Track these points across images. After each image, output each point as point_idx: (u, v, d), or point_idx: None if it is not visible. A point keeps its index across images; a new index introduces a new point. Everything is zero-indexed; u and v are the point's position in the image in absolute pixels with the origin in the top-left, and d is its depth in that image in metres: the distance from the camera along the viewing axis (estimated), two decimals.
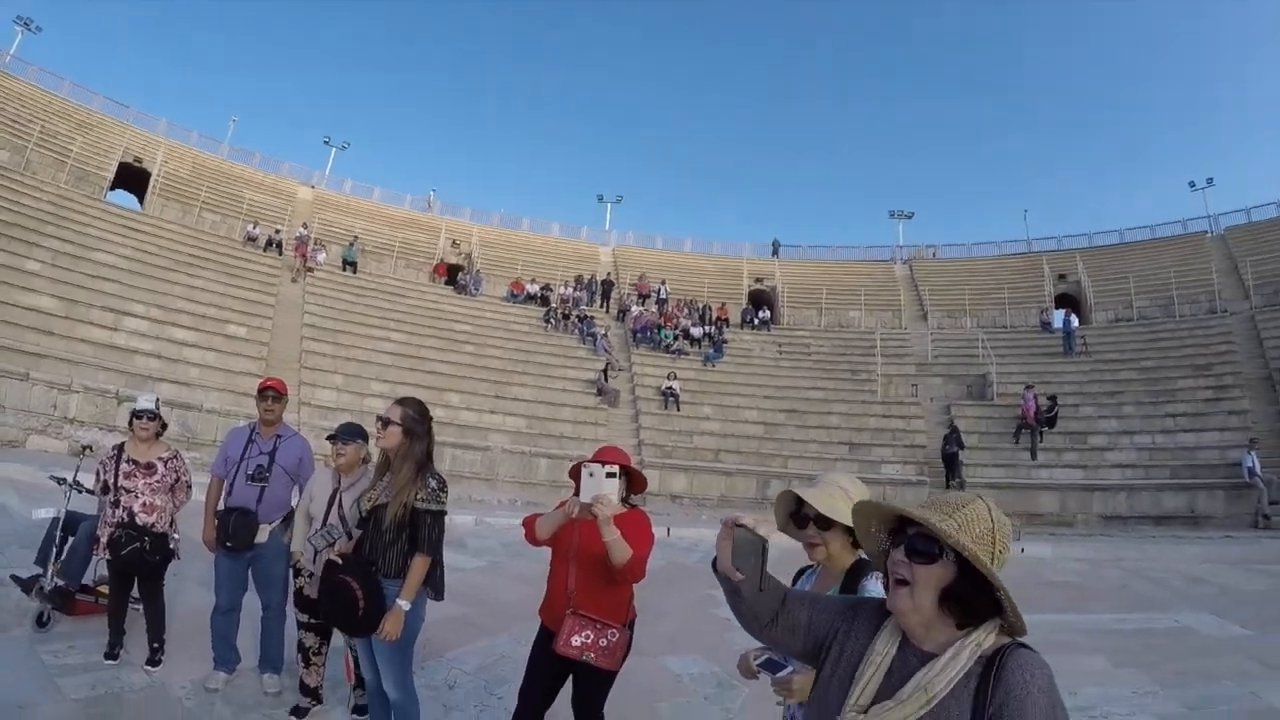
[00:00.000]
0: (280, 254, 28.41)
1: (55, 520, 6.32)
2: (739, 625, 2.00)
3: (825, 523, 2.60)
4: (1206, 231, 33.96)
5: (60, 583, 6.05)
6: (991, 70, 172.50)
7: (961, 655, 1.60)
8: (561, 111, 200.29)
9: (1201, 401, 21.77)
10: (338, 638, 4.92)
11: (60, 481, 6.60)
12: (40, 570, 6.14)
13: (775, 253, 40.26)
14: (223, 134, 40.76)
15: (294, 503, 5.54)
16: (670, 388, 24.03)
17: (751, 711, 5.59)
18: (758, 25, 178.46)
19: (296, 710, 4.96)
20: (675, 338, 28.45)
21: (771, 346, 30.03)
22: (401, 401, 4.14)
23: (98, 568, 6.16)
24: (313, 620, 4.91)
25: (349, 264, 29.73)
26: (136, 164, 30.80)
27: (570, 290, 32.17)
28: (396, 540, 3.97)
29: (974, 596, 1.64)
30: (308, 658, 5.02)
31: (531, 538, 3.92)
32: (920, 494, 18.97)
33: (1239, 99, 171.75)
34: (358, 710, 4.95)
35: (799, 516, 2.69)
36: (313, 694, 5.05)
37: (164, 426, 5.81)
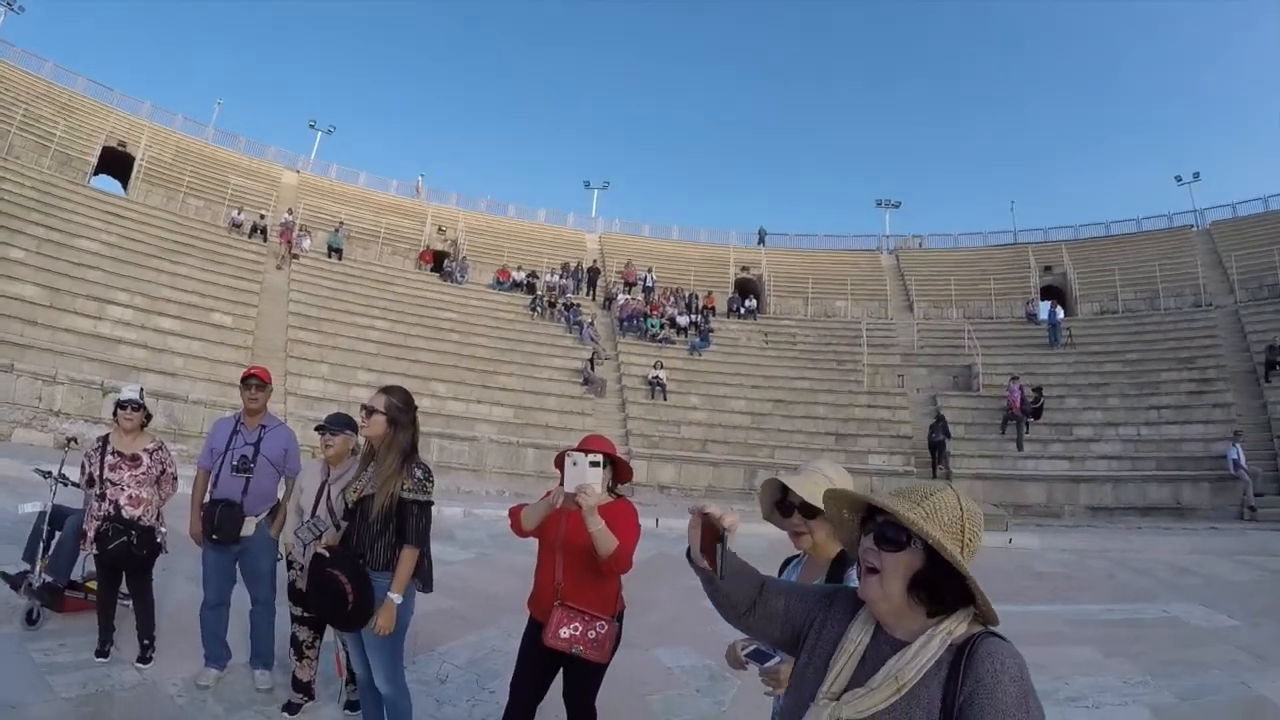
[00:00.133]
0: (265, 240, 28.21)
1: (42, 515, 6.23)
2: None
3: (810, 511, 2.56)
4: (1192, 226, 34.19)
5: (48, 579, 5.99)
6: (979, 61, 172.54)
7: (932, 643, 1.60)
8: (548, 97, 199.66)
9: (1186, 394, 21.93)
10: (331, 631, 4.89)
11: (45, 475, 6.52)
12: (28, 567, 6.06)
13: (761, 241, 40.30)
14: (208, 117, 40.55)
15: (280, 494, 5.52)
16: (657, 377, 24.03)
17: (743, 703, 5.58)
18: (745, 13, 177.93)
19: (289, 706, 4.93)
20: (662, 326, 28.45)
21: (758, 336, 30.06)
22: (386, 390, 4.10)
23: (86, 563, 6.10)
24: (306, 614, 4.89)
25: (334, 250, 29.58)
26: (120, 148, 30.47)
27: (556, 278, 32.14)
28: (384, 532, 3.94)
29: (943, 585, 1.63)
30: (301, 651, 4.99)
31: (517, 528, 3.90)
32: (906, 484, 18.97)
33: (1226, 94, 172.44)
34: (350, 706, 4.93)
35: (784, 505, 2.67)
36: (305, 689, 5.01)
37: (148, 417, 5.73)
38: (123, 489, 5.36)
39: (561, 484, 3.62)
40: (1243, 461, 17.68)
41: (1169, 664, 6.93)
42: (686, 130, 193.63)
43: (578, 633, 3.62)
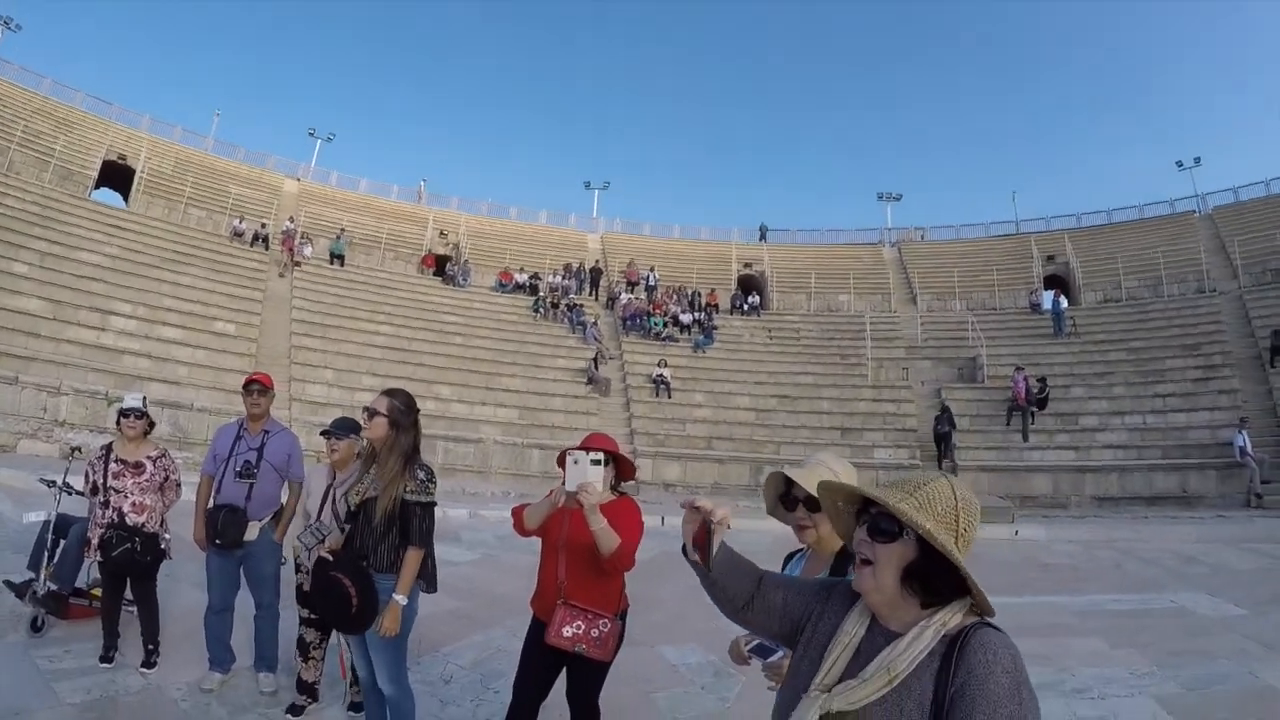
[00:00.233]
0: (267, 248, 28.26)
1: (46, 523, 6.29)
2: None
3: (814, 504, 2.53)
4: (1194, 211, 34.11)
5: (53, 587, 6.03)
6: (977, 54, 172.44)
7: (925, 635, 1.60)
8: (547, 98, 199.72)
9: (1191, 381, 21.87)
10: (336, 633, 4.89)
11: (50, 484, 6.58)
12: (33, 575, 6.10)
13: (763, 237, 40.29)
14: (207, 128, 40.69)
15: (284, 499, 5.54)
16: (661, 375, 24.03)
17: (748, 699, 5.58)
18: (744, 11, 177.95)
19: (293, 709, 4.95)
20: (665, 325, 28.44)
21: (761, 332, 30.02)
22: (389, 393, 4.11)
23: (90, 570, 6.13)
24: (313, 615, 4.91)
25: (336, 257, 29.62)
26: (120, 161, 30.55)
27: (559, 279, 32.15)
28: (387, 534, 3.94)
29: (937, 576, 1.62)
30: (307, 653, 5.02)
31: (520, 528, 3.90)
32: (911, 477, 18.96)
33: (1226, 78, 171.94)
34: (354, 707, 4.95)
35: (788, 499, 2.67)
36: (309, 690, 5.04)
37: (151, 425, 5.76)
38: (126, 496, 5.39)
39: (564, 483, 3.61)
40: (1249, 448, 17.60)
41: (1176, 654, 6.91)
42: (686, 130, 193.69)
43: (581, 631, 3.61)
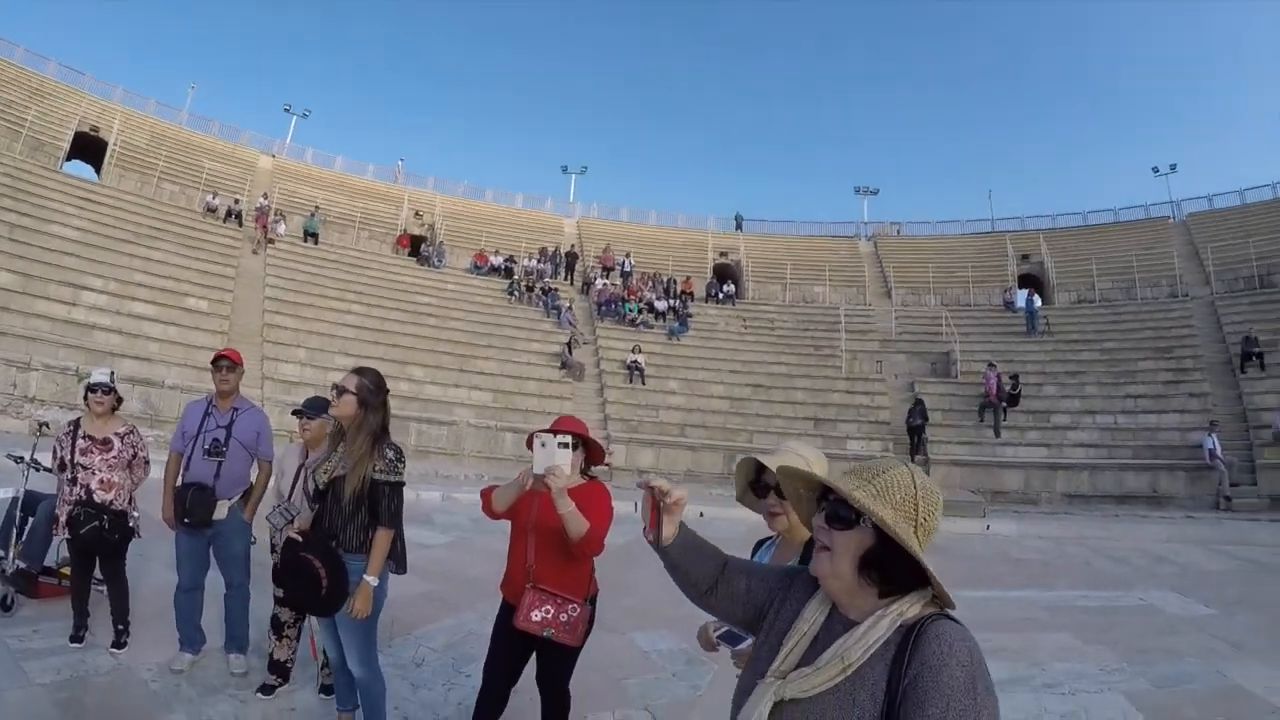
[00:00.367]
0: (240, 225, 27.97)
1: (14, 500, 6.22)
2: None
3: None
4: (1169, 217, 34.36)
5: (22, 565, 5.98)
6: (957, 50, 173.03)
7: (880, 624, 1.56)
8: (525, 82, 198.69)
9: (1162, 384, 22.12)
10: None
11: (17, 460, 6.49)
12: (1, 553, 6.02)
13: (739, 227, 40.26)
14: (181, 101, 40.14)
15: (253, 478, 5.48)
16: (635, 361, 24.02)
17: (719, 686, 5.57)
18: (725, 1, 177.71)
19: (264, 688, 4.92)
20: (640, 311, 28.44)
21: (736, 321, 30.04)
22: (358, 371, 4.06)
23: (60, 549, 6.06)
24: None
25: (310, 235, 29.40)
26: (93, 133, 30.06)
27: (534, 262, 32.05)
28: (356, 513, 3.91)
29: (894, 565, 1.59)
30: (280, 631, 5.00)
31: (489, 510, 3.87)
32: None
33: (1204, 86, 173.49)
34: (325, 689, 4.90)
35: (758, 486, 2.66)
36: (281, 669, 5.01)
37: (119, 401, 5.68)
38: (94, 473, 5.32)
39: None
40: (1218, 451, 17.85)
41: (1145, 651, 6.98)
42: (664, 116, 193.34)
43: (549, 615, 3.60)
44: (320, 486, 3.99)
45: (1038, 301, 27.98)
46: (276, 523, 4.59)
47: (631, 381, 23.75)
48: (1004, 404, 21.01)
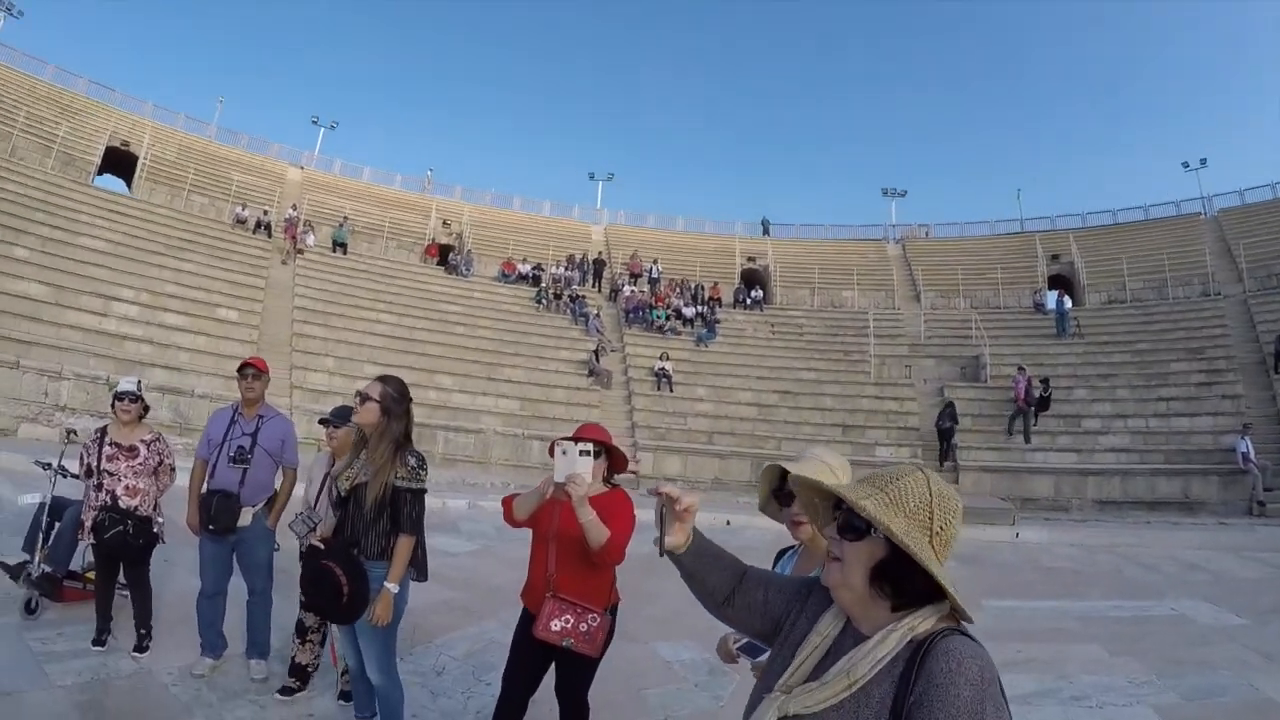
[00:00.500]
0: (269, 236, 28.21)
1: (42, 506, 6.29)
2: None
3: None
4: (1200, 213, 33.88)
5: (47, 569, 6.03)
6: (984, 49, 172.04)
7: (890, 639, 1.51)
8: (553, 89, 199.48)
9: (1195, 385, 21.75)
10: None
11: (45, 466, 6.56)
12: (28, 557, 6.12)
13: (766, 231, 40.11)
14: (210, 115, 40.48)
15: (278, 485, 5.51)
16: (663, 368, 23.98)
17: (741, 698, 5.49)
18: (752, 6, 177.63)
19: (284, 689, 4.96)
20: (667, 318, 28.38)
21: (764, 326, 29.94)
22: (383, 379, 4.08)
23: (86, 554, 6.11)
24: None
25: (339, 245, 29.57)
26: (123, 148, 30.48)
27: (562, 270, 32.12)
28: (377, 520, 3.92)
29: (907, 576, 1.53)
30: (305, 635, 5.04)
31: (510, 518, 3.85)
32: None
33: (1233, 79, 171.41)
34: (344, 696, 4.92)
35: (782, 494, 2.60)
36: (301, 673, 5.04)
37: (146, 409, 5.74)
38: (120, 479, 5.37)
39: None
40: (1252, 455, 17.49)
41: (1176, 663, 6.85)
42: (691, 122, 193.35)
43: (569, 625, 3.57)
44: (342, 493, 4.01)
45: (1068, 303, 27.72)
46: (299, 530, 4.61)
47: (659, 389, 23.70)
48: (1034, 409, 20.76)
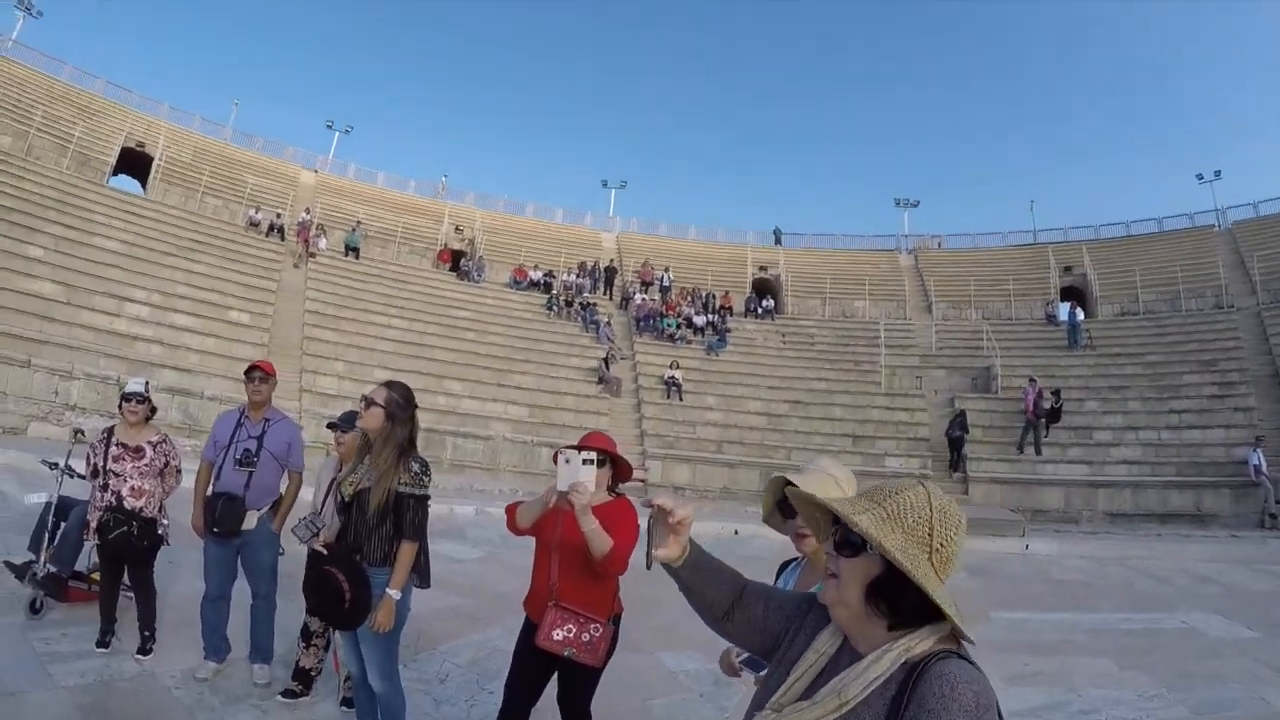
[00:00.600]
0: (283, 239, 28.33)
1: (48, 505, 6.32)
2: None
3: None
4: (1214, 225, 33.62)
5: (53, 569, 6.05)
6: (998, 59, 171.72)
7: (884, 660, 1.44)
8: (566, 97, 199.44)
9: (1207, 398, 21.62)
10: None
11: (52, 466, 6.57)
12: (33, 556, 6.12)
13: (778, 241, 40.05)
14: (225, 117, 40.72)
15: (284, 488, 5.50)
16: (673, 377, 23.94)
17: (745, 710, 5.49)
18: (763, 13, 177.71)
19: (286, 692, 4.96)
20: (678, 326, 28.34)
21: (775, 336, 29.89)
22: (388, 384, 4.07)
23: (91, 554, 6.11)
24: None
25: (351, 249, 29.62)
26: (139, 149, 30.65)
27: (573, 277, 32.12)
28: (380, 526, 3.90)
29: (903, 595, 1.46)
30: (309, 640, 5.03)
31: (513, 526, 3.83)
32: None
33: (1246, 90, 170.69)
34: (346, 702, 4.90)
35: (785, 506, 2.56)
36: (304, 677, 5.03)
37: (153, 410, 5.73)
38: (125, 480, 5.37)
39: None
40: (1264, 467, 17.35)
41: (1186, 676, 6.79)
42: (704, 129, 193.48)
43: (571, 635, 3.54)
44: (346, 499, 3.99)
45: (1080, 314, 27.66)
46: (301, 535, 4.60)
47: (669, 397, 23.67)
48: (1044, 420, 20.65)
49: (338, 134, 43.25)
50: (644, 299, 30.51)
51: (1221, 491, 18.04)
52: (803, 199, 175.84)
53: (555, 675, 3.78)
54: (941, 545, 1.49)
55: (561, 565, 3.67)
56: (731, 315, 30.67)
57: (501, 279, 31.83)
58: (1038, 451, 20.31)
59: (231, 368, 18.52)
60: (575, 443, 3.68)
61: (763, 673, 2.32)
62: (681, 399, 23.68)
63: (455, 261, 32.80)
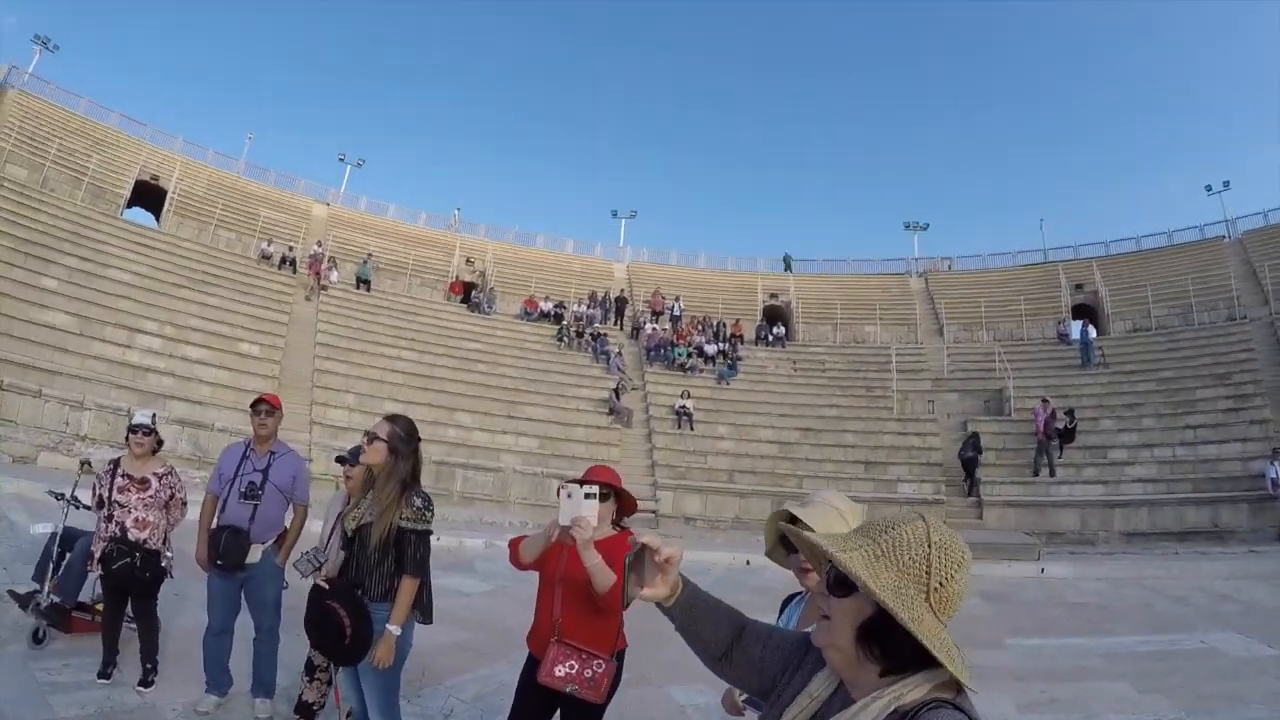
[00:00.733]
0: (294, 272, 28.47)
1: (53, 536, 6.36)
2: None
3: None
4: (1224, 236, 33.35)
5: (56, 599, 6.09)
6: (1004, 79, 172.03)
7: (872, 708, 1.34)
8: (575, 127, 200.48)
9: (1222, 412, 21.39)
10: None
11: (59, 497, 6.63)
12: (37, 586, 6.15)
13: (788, 268, 39.96)
14: (239, 150, 40.98)
15: (288, 522, 5.48)
16: (684, 406, 23.87)
17: None
18: (769, 39, 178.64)
19: None
20: (689, 355, 28.25)
21: (786, 363, 29.83)
22: (391, 418, 4.06)
23: (96, 585, 6.11)
24: None
25: (363, 282, 29.72)
26: (153, 181, 30.95)
27: (584, 308, 32.14)
28: (382, 561, 3.88)
29: (895, 638, 1.34)
30: (313, 674, 5.01)
31: (516, 561, 3.78)
32: (937, 513, 18.69)
33: (1254, 97, 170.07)
34: None
35: (789, 539, 2.53)
36: (307, 711, 5.01)
37: (160, 443, 5.78)
38: (130, 511, 5.39)
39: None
40: None
41: (1206, 699, 6.69)
42: (713, 158, 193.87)
43: (573, 671, 3.48)
44: (348, 533, 3.99)
45: (1092, 332, 27.43)
46: (303, 569, 4.57)
47: (680, 427, 23.59)
48: (1056, 441, 20.49)
49: (350, 167, 43.49)
50: (654, 328, 30.46)
51: (1239, 506, 17.84)
52: (813, 225, 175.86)
53: (558, 712, 3.71)
54: (941, 584, 1.37)
55: (564, 600, 3.63)
56: (742, 343, 30.55)
57: (512, 310, 31.86)
58: (1052, 473, 20.14)
59: (242, 400, 18.57)
60: (578, 477, 3.64)
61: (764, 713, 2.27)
62: (693, 429, 23.58)
63: (466, 293, 32.88)
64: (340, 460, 5.31)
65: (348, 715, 4.77)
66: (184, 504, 5.76)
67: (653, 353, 28.44)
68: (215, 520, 5.27)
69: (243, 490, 5.23)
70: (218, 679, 5.23)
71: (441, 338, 27.19)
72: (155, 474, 5.57)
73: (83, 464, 7.22)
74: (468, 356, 26.21)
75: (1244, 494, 17.96)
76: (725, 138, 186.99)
